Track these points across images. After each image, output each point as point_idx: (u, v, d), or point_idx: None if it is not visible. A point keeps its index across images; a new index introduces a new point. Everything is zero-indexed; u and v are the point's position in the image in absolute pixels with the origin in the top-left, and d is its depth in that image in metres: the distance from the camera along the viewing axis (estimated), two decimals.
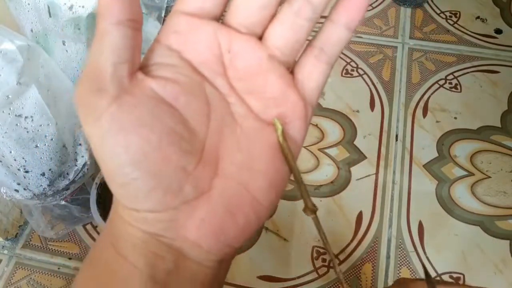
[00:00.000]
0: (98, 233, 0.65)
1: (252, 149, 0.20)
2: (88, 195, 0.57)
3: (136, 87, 0.18)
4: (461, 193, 0.65)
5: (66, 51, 0.53)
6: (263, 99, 0.21)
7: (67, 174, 0.54)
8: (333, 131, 0.72)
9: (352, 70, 0.78)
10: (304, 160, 0.69)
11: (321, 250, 0.61)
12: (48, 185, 0.53)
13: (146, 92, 0.18)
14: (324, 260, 0.61)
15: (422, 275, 0.36)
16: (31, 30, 0.53)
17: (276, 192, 0.21)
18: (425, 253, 0.61)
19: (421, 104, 0.74)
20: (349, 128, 0.72)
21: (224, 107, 0.21)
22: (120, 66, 0.18)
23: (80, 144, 0.55)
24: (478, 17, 0.84)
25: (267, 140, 0.20)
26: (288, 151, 0.20)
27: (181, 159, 0.19)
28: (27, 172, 0.51)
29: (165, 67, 0.19)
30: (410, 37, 0.82)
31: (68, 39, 0.52)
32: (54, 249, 0.64)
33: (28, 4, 0.51)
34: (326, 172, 0.68)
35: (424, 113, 0.73)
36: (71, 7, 0.50)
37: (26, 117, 0.48)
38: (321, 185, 0.67)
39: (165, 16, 0.61)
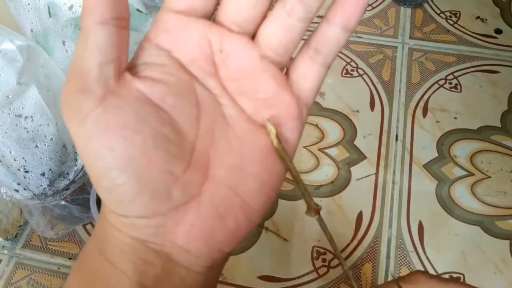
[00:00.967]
0: None
1: (244, 152, 0.20)
2: (88, 195, 0.57)
3: (123, 88, 0.18)
4: (461, 193, 0.65)
5: (66, 51, 0.53)
6: (256, 100, 0.20)
7: (67, 174, 0.54)
8: (333, 131, 0.72)
9: (352, 70, 0.78)
10: (304, 160, 0.69)
11: (321, 250, 0.61)
12: (48, 185, 0.53)
13: (133, 93, 0.18)
14: (324, 260, 0.61)
15: None
16: (31, 30, 0.52)
17: (268, 195, 0.20)
18: (425, 253, 0.61)
19: (421, 104, 0.74)
20: (349, 128, 0.72)
21: (216, 109, 0.20)
22: (106, 66, 0.17)
23: None
24: (478, 17, 0.84)
25: (259, 142, 0.20)
26: (285, 153, 0.20)
27: (168, 163, 0.18)
28: (27, 172, 0.51)
29: (153, 67, 0.19)
30: (410, 37, 0.82)
31: (68, 39, 0.52)
32: (54, 249, 0.64)
33: (28, 4, 0.51)
34: (326, 172, 0.68)
35: (424, 113, 0.73)
36: (71, 7, 0.50)
37: (26, 117, 0.48)
38: (321, 185, 0.67)
39: None
